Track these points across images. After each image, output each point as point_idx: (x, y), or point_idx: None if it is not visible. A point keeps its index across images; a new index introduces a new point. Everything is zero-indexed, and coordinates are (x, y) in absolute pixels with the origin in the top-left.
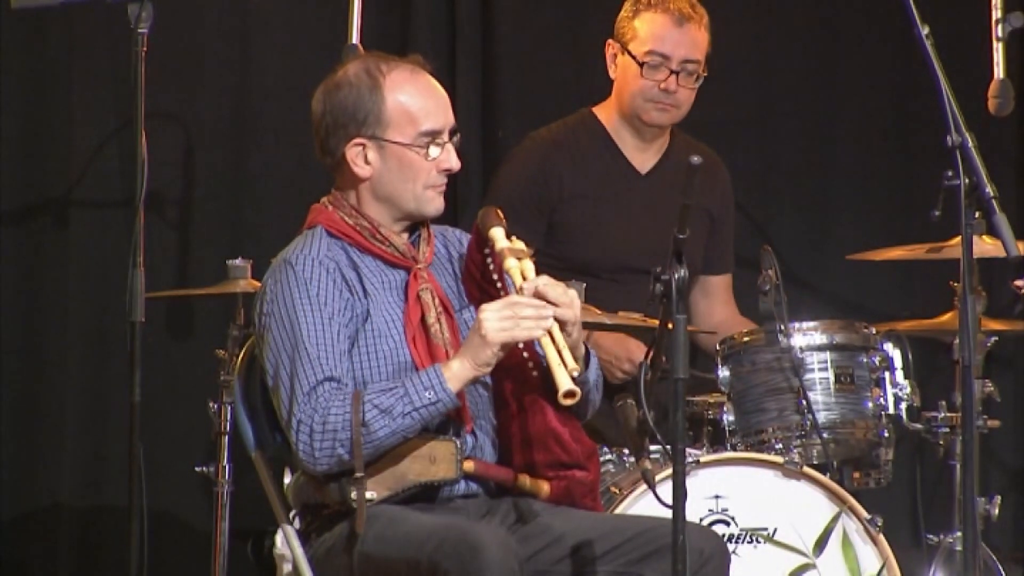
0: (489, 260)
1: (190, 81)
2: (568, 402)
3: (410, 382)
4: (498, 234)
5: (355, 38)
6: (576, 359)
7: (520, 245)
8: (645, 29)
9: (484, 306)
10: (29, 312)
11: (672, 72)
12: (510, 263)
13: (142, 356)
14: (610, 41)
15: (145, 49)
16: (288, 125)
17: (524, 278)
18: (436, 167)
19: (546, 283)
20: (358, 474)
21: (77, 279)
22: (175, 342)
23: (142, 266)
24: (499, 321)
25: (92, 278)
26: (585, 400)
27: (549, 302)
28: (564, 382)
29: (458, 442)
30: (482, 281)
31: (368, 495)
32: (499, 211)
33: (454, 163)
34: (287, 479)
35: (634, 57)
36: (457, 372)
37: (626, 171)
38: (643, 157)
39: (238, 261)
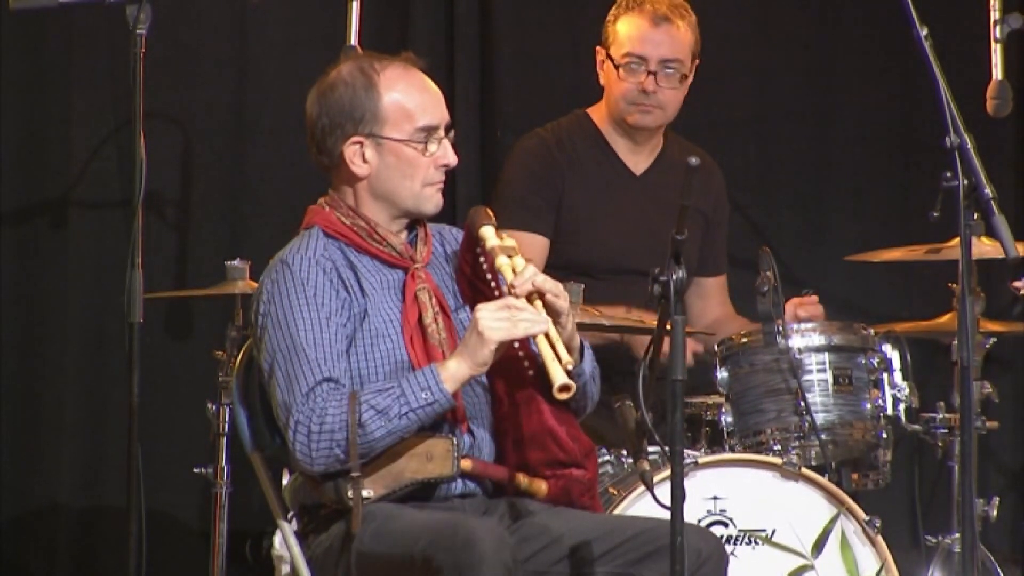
0: (481, 259)
1: (188, 82)
2: (563, 396)
3: (406, 382)
4: (488, 232)
5: (353, 39)
6: (571, 351)
7: (511, 242)
8: (623, 32)
9: (480, 305)
10: (28, 312)
11: (650, 73)
12: (501, 260)
13: (140, 357)
14: (598, 47)
15: (143, 50)
16: (286, 126)
17: (515, 275)
18: (434, 163)
19: (538, 275)
20: (354, 474)
21: (76, 280)
22: (174, 343)
23: (140, 267)
24: (496, 320)
25: (91, 279)
26: (583, 394)
27: (543, 293)
28: (559, 377)
29: (455, 440)
30: (474, 279)
31: (365, 493)
32: (488, 210)
33: (451, 158)
34: (285, 480)
35: (614, 61)
36: (454, 372)
37: (621, 172)
38: (637, 159)
39: (236, 262)
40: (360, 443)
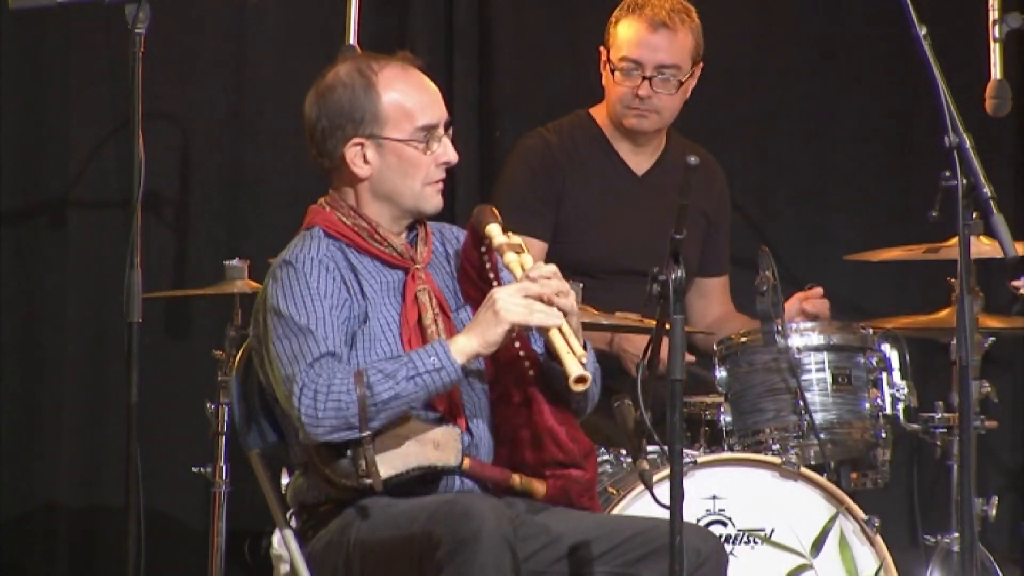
0: (485, 258)
1: (187, 82)
2: (580, 388)
3: (414, 351)
4: (495, 230)
5: (352, 39)
6: None
7: (517, 240)
8: (622, 34)
9: (497, 288)
10: (27, 312)
11: (645, 78)
12: (509, 257)
13: (139, 356)
14: (601, 47)
15: (142, 50)
16: (285, 126)
17: (523, 271)
18: (435, 161)
19: (548, 271)
20: (364, 434)
21: (75, 279)
22: (172, 342)
23: (139, 266)
24: (514, 304)
25: (90, 278)
26: (584, 394)
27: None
28: (574, 368)
29: (460, 431)
30: (478, 280)
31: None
32: (494, 208)
33: (452, 156)
34: (284, 479)
35: (611, 63)
36: (463, 346)
37: (623, 173)
38: (639, 159)
39: (235, 261)
40: (368, 404)
